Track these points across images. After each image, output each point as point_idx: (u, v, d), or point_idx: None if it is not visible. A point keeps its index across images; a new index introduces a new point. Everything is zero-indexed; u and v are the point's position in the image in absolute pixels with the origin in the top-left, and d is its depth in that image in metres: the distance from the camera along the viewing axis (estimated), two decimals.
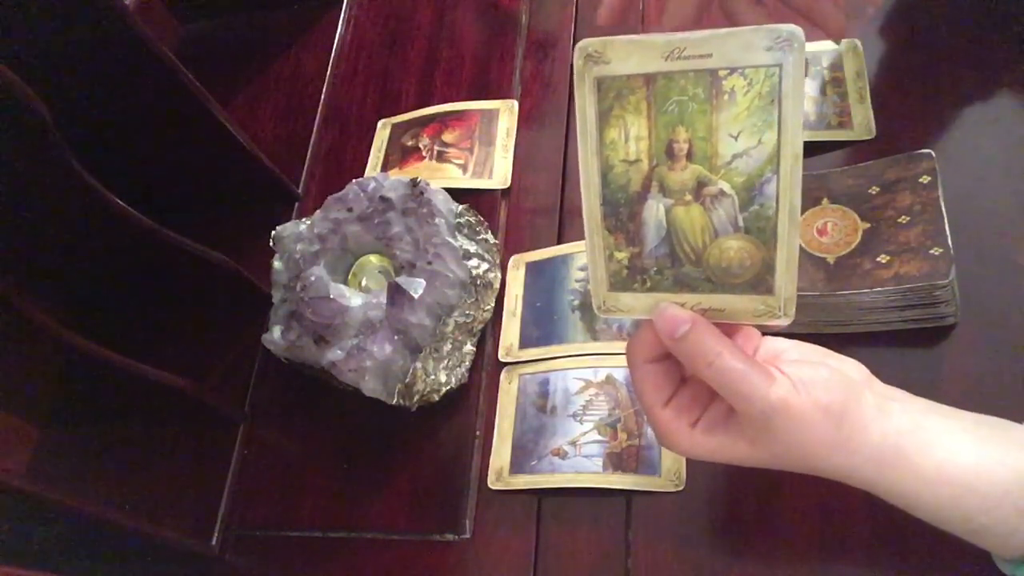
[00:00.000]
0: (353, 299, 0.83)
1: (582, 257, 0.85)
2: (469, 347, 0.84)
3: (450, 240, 0.83)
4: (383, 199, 0.86)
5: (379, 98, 1.09)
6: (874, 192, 0.74)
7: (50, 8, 0.76)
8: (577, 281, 0.85)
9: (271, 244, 0.92)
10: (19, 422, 0.93)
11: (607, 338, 0.81)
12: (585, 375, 0.79)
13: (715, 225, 0.46)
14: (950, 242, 0.67)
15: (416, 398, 0.80)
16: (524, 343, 0.84)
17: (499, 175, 0.95)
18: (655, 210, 0.47)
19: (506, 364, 0.84)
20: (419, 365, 0.80)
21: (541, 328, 0.84)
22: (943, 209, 0.69)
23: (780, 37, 0.42)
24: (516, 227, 0.92)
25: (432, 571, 0.76)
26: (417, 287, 0.80)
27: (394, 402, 0.80)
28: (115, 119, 0.90)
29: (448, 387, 0.81)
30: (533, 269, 0.88)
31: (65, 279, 0.88)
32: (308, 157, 1.07)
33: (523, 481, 0.76)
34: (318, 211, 0.90)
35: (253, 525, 0.84)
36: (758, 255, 0.46)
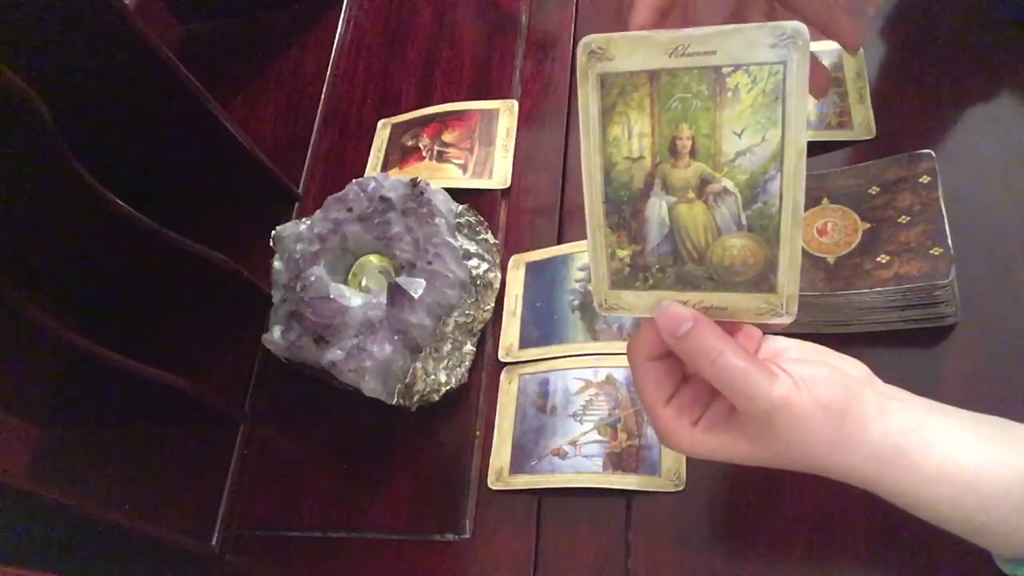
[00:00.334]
0: (353, 299, 0.83)
1: (582, 257, 0.85)
2: (469, 347, 0.84)
3: (450, 240, 0.83)
4: (383, 199, 0.86)
5: (379, 98, 1.09)
6: (874, 192, 0.74)
7: (50, 8, 0.76)
8: (577, 281, 0.85)
9: (271, 244, 0.92)
10: (19, 422, 0.93)
11: (607, 338, 0.81)
12: (585, 375, 0.79)
13: (718, 223, 0.46)
14: (950, 242, 0.67)
15: (416, 398, 0.80)
16: (524, 343, 0.84)
17: (499, 175, 0.95)
18: (658, 208, 0.47)
19: (506, 364, 0.84)
20: (419, 365, 0.80)
21: (541, 328, 0.84)
22: (943, 209, 0.69)
23: (784, 34, 0.41)
24: (516, 227, 0.92)
25: (432, 571, 0.76)
26: (417, 287, 0.80)
27: (394, 402, 0.80)
28: (115, 119, 0.90)
29: (448, 387, 0.82)
30: (533, 269, 0.88)
31: (65, 279, 0.88)
32: (308, 157, 1.07)
33: (523, 481, 0.76)
34: (318, 211, 0.90)
35: (253, 525, 0.84)
36: (761, 253, 0.46)
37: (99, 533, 0.74)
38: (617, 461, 0.74)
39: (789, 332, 0.54)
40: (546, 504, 0.75)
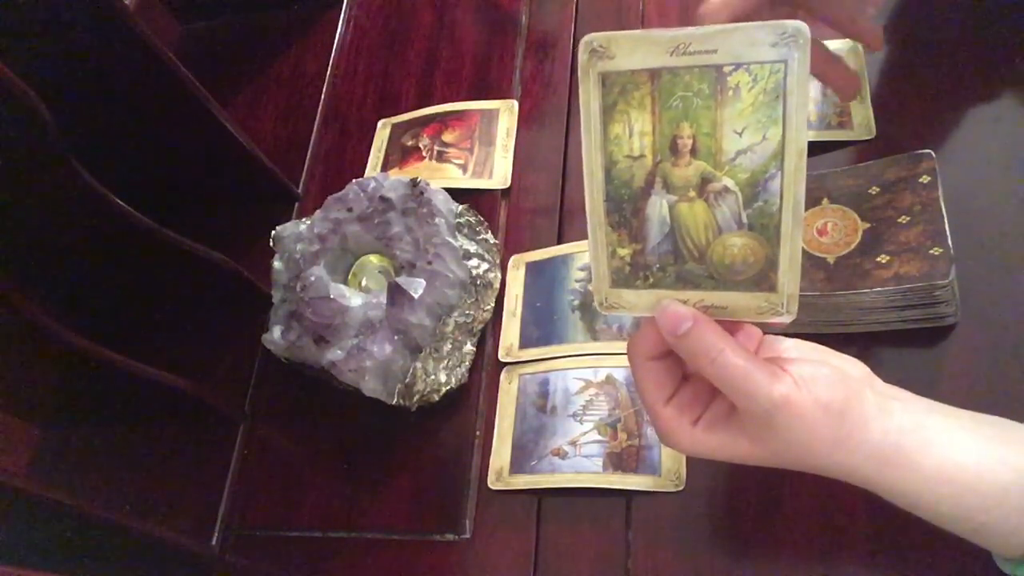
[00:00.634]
0: (353, 299, 0.83)
1: (582, 257, 0.86)
2: (469, 347, 0.84)
3: (450, 240, 0.83)
4: (383, 199, 0.86)
5: (379, 98, 1.09)
6: (874, 192, 0.74)
7: (50, 8, 0.76)
8: (577, 281, 0.85)
9: (271, 244, 0.92)
10: (19, 422, 0.93)
11: (607, 338, 0.81)
12: (585, 375, 0.79)
13: (719, 222, 0.46)
14: (950, 242, 0.67)
15: (416, 398, 0.80)
16: (524, 343, 0.84)
17: (499, 175, 0.95)
18: (658, 206, 0.47)
19: (506, 364, 0.84)
20: (419, 365, 0.80)
21: (541, 328, 0.84)
22: (943, 209, 0.69)
23: (785, 33, 0.42)
24: (516, 227, 0.92)
25: (432, 571, 0.76)
26: (417, 287, 0.80)
27: (394, 402, 0.80)
28: (115, 119, 0.90)
29: (448, 387, 0.81)
30: (533, 269, 0.88)
31: (65, 279, 0.88)
32: (308, 157, 1.07)
33: (523, 481, 0.76)
34: (318, 211, 0.90)
35: (253, 525, 0.84)
36: (761, 252, 0.46)
37: (99, 533, 0.74)
38: (617, 461, 0.74)
39: (789, 332, 0.54)
40: (546, 504, 0.75)
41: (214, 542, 0.84)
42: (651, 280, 0.49)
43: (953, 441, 0.48)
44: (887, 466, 0.48)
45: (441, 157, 0.98)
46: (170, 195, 0.94)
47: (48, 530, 0.70)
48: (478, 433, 0.81)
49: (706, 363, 0.46)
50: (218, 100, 0.89)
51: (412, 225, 0.85)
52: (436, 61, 1.08)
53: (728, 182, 0.45)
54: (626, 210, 0.48)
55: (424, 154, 0.99)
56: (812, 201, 0.75)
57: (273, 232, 0.92)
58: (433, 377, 0.81)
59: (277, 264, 0.90)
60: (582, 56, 0.45)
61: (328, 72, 1.14)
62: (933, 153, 0.72)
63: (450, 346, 0.82)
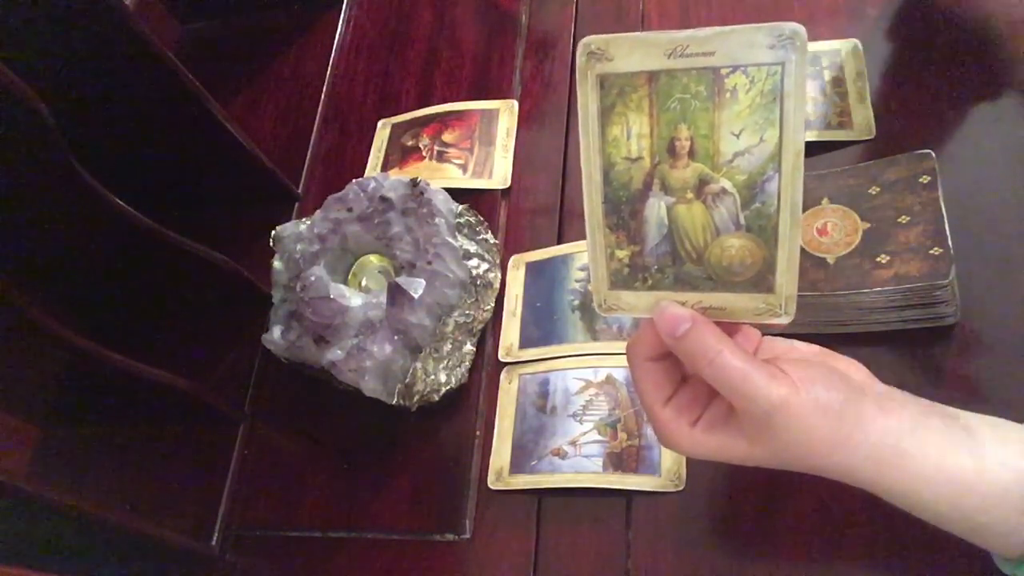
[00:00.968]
0: (353, 299, 0.83)
1: (582, 257, 0.86)
2: (469, 347, 0.84)
3: (450, 240, 0.83)
4: (383, 199, 0.86)
5: (379, 98, 1.09)
6: (874, 192, 0.74)
7: (50, 8, 0.76)
8: (577, 281, 0.85)
9: (271, 244, 0.92)
10: (19, 422, 0.93)
11: (607, 338, 0.81)
12: (585, 375, 0.79)
13: (716, 223, 0.46)
14: (950, 242, 0.67)
15: (416, 398, 0.80)
16: (524, 343, 0.84)
17: (499, 175, 0.95)
18: (657, 208, 0.47)
19: (506, 364, 0.84)
20: (419, 365, 0.80)
21: (541, 328, 0.84)
22: (943, 209, 0.69)
23: (783, 35, 0.42)
24: (516, 227, 0.92)
25: (432, 571, 0.76)
26: (417, 287, 0.80)
27: (394, 402, 0.80)
28: (115, 119, 0.90)
29: (448, 387, 0.82)
30: (533, 269, 0.88)
31: (65, 279, 0.88)
32: (308, 157, 1.07)
33: (523, 481, 0.76)
34: (318, 211, 0.90)
35: (253, 525, 0.84)
36: (759, 253, 0.46)
37: (99, 533, 0.74)
38: (617, 461, 0.74)
39: (789, 332, 0.54)
40: (546, 504, 0.75)
41: (214, 542, 0.84)
42: (650, 282, 0.49)
43: (952, 442, 0.48)
44: (886, 467, 0.48)
45: (441, 157, 0.98)
46: (170, 195, 0.94)
47: (48, 530, 0.70)
48: (478, 433, 0.82)
49: (704, 364, 0.46)
50: (218, 100, 0.89)
51: (412, 225, 0.85)
52: (436, 61, 1.08)
53: (726, 184, 0.45)
54: (624, 212, 0.48)
55: (424, 154, 0.99)
56: (812, 201, 0.75)
57: (273, 232, 0.92)
58: (433, 377, 0.81)
59: (277, 264, 0.90)
60: (580, 58, 0.45)
61: (328, 72, 1.14)
62: (933, 153, 0.72)
63: (450, 346, 0.82)
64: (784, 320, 0.47)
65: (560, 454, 0.76)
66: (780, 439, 0.47)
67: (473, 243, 0.87)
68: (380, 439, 0.84)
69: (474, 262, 0.85)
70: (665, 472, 0.72)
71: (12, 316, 0.69)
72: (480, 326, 0.85)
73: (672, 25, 0.97)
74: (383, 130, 1.05)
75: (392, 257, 0.86)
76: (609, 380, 0.79)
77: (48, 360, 0.82)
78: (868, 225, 0.72)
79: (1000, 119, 0.79)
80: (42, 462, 0.93)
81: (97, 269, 0.89)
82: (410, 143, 1.01)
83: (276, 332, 0.86)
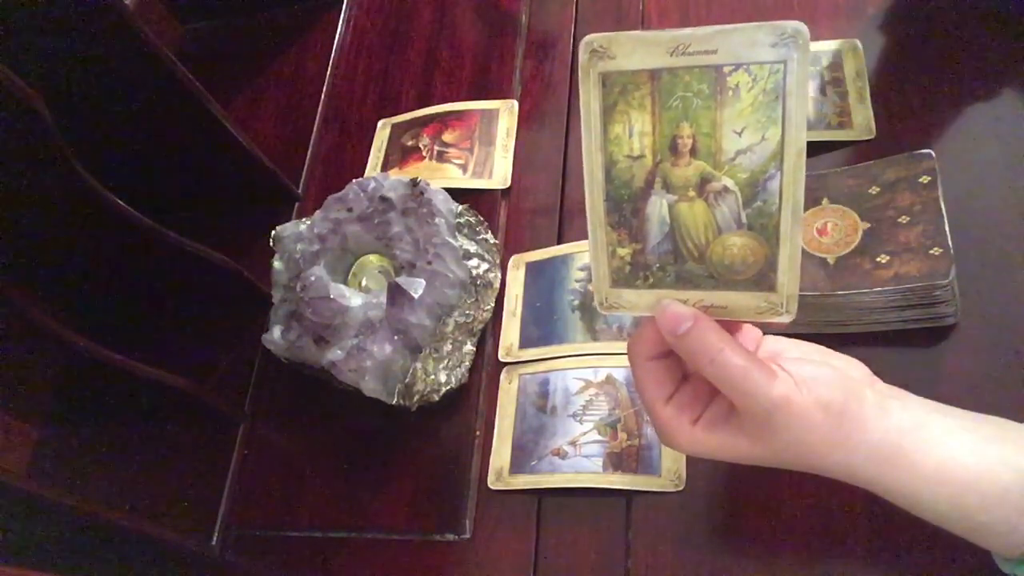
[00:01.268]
0: (353, 299, 0.83)
1: (582, 257, 0.86)
2: (469, 347, 0.84)
3: (450, 240, 0.83)
4: (383, 199, 0.86)
5: (379, 98, 1.09)
6: (874, 192, 0.74)
7: (50, 8, 0.76)
8: (577, 281, 0.85)
9: (271, 244, 0.92)
10: (19, 422, 0.93)
11: (607, 338, 0.81)
12: (585, 375, 0.79)
13: (718, 221, 0.46)
14: (950, 242, 0.67)
15: (416, 398, 0.80)
16: (524, 343, 0.84)
17: (499, 175, 0.95)
18: (658, 206, 0.47)
19: (506, 364, 0.84)
20: (419, 365, 0.80)
21: (541, 328, 0.84)
22: (943, 209, 0.69)
23: (785, 34, 0.42)
24: (516, 227, 0.92)
25: (432, 571, 0.76)
26: (417, 287, 0.80)
27: (394, 402, 0.80)
28: (115, 119, 0.90)
29: (448, 387, 0.81)
30: (533, 269, 0.88)
31: (65, 279, 0.88)
32: (308, 157, 1.07)
33: (523, 481, 0.76)
34: (318, 211, 0.90)
35: (253, 525, 0.84)
36: (761, 252, 0.46)
37: (99, 533, 0.74)
38: (617, 461, 0.74)
39: (789, 332, 0.54)
40: (546, 504, 0.75)
41: (214, 542, 0.84)
42: (651, 280, 0.49)
43: (953, 441, 0.48)
44: (887, 466, 0.48)
45: (441, 157, 0.98)
46: (170, 195, 0.94)
47: (48, 530, 0.70)
48: (478, 433, 0.81)
49: (706, 363, 0.46)
50: (218, 100, 0.89)
51: (412, 225, 0.85)
52: (436, 61, 1.08)
53: (728, 182, 0.45)
54: (626, 210, 0.48)
55: (424, 154, 0.99)
56: (812, 201, 0.75)
57: (273, 232, 0.92)
58: (433, 377, 0.81)
59: (277, 264, 0.90)
60: (582, 56, 0.45)
61: (328, 72, 1.14)
62: (933, 153, 0.72)
63: (450, 346, 0.82)
64: (786, 319, 0.47)
65: (560, 454, 0.76)
66: (780, 438, 0.47)
67: (473, 243, 0.87)
68: (380, 439, 0.84)
69: (474, 262, 0.85)
70: (665, 472, 0.72)
71: (12, 316, 0.69)
72: (480, 326, 0.85)
73: (672, 25, 0.97)
74: (383, 130, 1.05)
75: (392, 257, 0.86)
76: (609, 380, 0.79)
77: (48, 360, 0.82)
78: (868, 225, 0.72)
79: (1000, 119, 0.79)
80: (42, 462, 0.93)
81: (97, 269, 0.89)
82: (410, 143, 1.01)
83: (276, 332, 0.86)
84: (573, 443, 0.76)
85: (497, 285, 0.87)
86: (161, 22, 1.24)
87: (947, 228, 0.68)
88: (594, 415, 0.77)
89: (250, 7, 1.23)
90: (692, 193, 0.46)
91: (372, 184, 0.87)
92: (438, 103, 1.04)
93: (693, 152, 0.45)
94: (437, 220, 0.84)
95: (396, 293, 0.80)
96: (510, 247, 0.91)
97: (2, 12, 0.74)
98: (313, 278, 0.84)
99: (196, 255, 0.84)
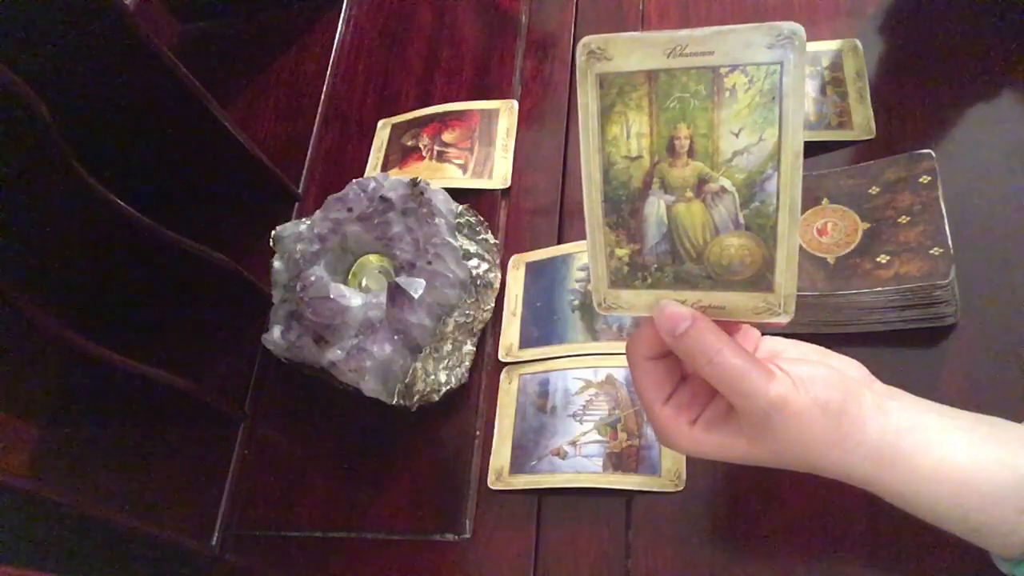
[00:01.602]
0: (353, 299, 0.83)
1: (582, 257, 0.86)
2: (469, 347, 0.84)
3: (450, 240, 0.83)
4: (383, 199, 0.86)
5: (379, 98, 1.09)
6: (874, 192, 0.74)
7: (50, 8, 0.76)
8: (577, 281, 0.85)
9: (271, 244, 0.92)
10: (19, 422, 0.93)
11: (607, 338, 0.81)
12: (585, 375, 0.79)
13: (716, 222, 0.46)
14: (950, 242, 0.67)
15: (416, 398, 0.80)
16: (524, 343, 0.84)
17: (499, 175, 0.95)
18: (656, 207, 0.47)
19: (506, 364, 0.84)
20: (419, 365, 0.80)
21: (541, 328, 0.84)
22: (943, 209, 0.69)
23: (781, 35, 0.42)
24: (516, 227, 0.92)
25: (432, 571, 0.76)
26: (417, 287, 0.80)
27: (394, 402, 0.80)
28: (115, 119, 0.90)
29: (448, 387, 0.81)
30: (533, 269, 0.88)
31: (65, 279, 0.88)
32: (308, 157, 1.07)
33: (523, 481, 0.76)
34: (318, 211, 0.90)
35: (253, 525, 0.84)
36: (758, 252, 0.46)
37: (99, 533, 0.74)
38: (617, 461, 0.74)
39: (788, 332, 0.54)
40: (546, 504, 0.75)
41: (214, 542, 0.84)
42: (649, 280, 0.49)
43: (951, 441, 0.48)
44: (885, 466, 0.48)
45: (441, 157, 0.98)
46: (170, 195, 0.94)
47: (48, 530, 0.70)
48: (478, 433, 0.82)
49: (704, 363, 0.46)
50: (218, 100, 0.89)
51: (412, 225, 0.85)
52: (436, 61, 1.08)
53: (725, 183, 0.45)
54: (624, 211, 0.48)
55: (424, 154, 0.99)
56: (812, 201, 0.75)
57: (273, 232, 0.92)
58: (433, 377, 0.81)
59: (277, 264, 0.90)
60: (580, 57, 0.45)
61: (328, 72, 1.14)
62: (933, 153, 0.72)
63: (450, 346, 0.82)
64: (783, 319, 0.47)
65: (560, 454, 0.76)
66: (779, 438, 0.47)
67: (473, 243, 0.87)
68: (380, 439, 0.84)
69: (474, 262, 0.85)
70: (665, 472, 0.72)
71: (12, 316, 0.69)
72: (480, 326, 0.85)
73: (672, 25, 0.97)
74: (383, 130, 1.05)
75: (392, 257, 0.86)
76: (609, 380, 0.79)
77: (48, 360, 0.82)
78: (868, 225, 0.72)
79: (1000, 119, 0.79)
80: (42, 462, 0.93)
81: (97, 269, 0.89)
82: (410, 143, 1.01)
83: (276, 332, 0.86)
84: (573, 443, 0.76)
85: (497, 285, 0.87)
86: (161, 22, 1.24)
87: (947, 228, 0.68)
88: (594, 415, 0.77)
89: (250, 7, 1.23)
90: (690, 194, 0.46)
91: (372, 184, 0.87)
92: (438, 103, 1.04)
93: (690, 153, 0.45)
94: (437, 220, 0.84)
95: (396, 293, 0.80)
96: (510, 247, 0.91)
97: (2, 12, 0.74)
98: (313, 278, 0.84)
99: (196, 255, 0.84)
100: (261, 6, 1.23)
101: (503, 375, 0.83)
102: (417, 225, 0.84)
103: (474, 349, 0.84)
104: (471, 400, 0.83)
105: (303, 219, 0.92)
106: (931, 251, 0.67)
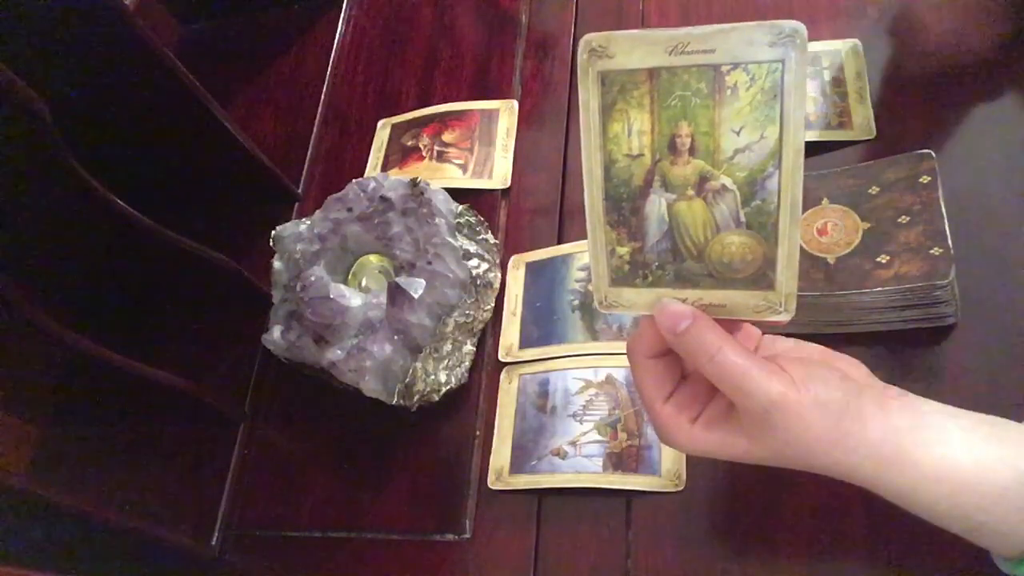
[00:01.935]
0: (353, 299, 0.83)
1: (582, 257, 0.86)
2: (469, 347, 0.84)
3: (450, 240, 0.83)
4: (383, 199, 0.86)
5: (379, 98, 1.09)
6: (874, 192, 0.74)
7: (50, 8, 0.76)
8: (577, 281, 0.85)
9: (271, 244, 0.92)
10: (19, 422, 0.93)
11: (607, 338, 0.81)
12: (585, 375, 0.79)
13: (717, 220, 0.46)
14: (950, 242, 0.67)
15: (416, 398, 0.80)
16: (524, 343, 0.84)
17: (499, 175, 0.95)
18: (657, 205, 0.47)
19: (506, 364, 0.84)
20: (419, 365, 0.80)
21: (541, 328, 0.84)
22: (943, 209, 0.69)
23: (783, 33, 0.42)
24: (516, 227, 0.92)
25: (432, 571, 0.76)
26: (417, 287, 0.80)
27: (394, 402, 0.80)
28: (115, 119, 0.90)
29: (448, 387, 0.81)
30: (533, 269, 0.88)
31: (65, 279, 0.88)
32: (308, 157, 1.07)
33: (523, 481, 0.76)
34: (318, 211, 0.90)
35: (253, 525, 0.84)
36: (759, 250, 0.46)
37: (99, 533, 0.74)
38: (617, 461, 0.74)
39: (789, 332, 0.54)
40: (546, 504, 0.75)
41: (214, 542, 0.84)
42: (650, 278, 0.49)
43: (951, 440, 0.48)
44: (885, 465, 0.48)
45: (441, 157, 0.98)
46: (170, 195, 0.94)
47: (48, 530, 0.70)
48: (478, 433, 0.81)
49: (705, 361, 0.46)
50: (218, 100, 0.89)
51: (412, 225, 0.85)
52: (436, 61, 1.08)
53: (726, 181, 0.45)
54: (625, 209, 0.48)
55: (424, 154, 0.99)
56: (812, 201, 0.75)
57: (273, 232, 0.92)
58: (433, 377, 0.81)
59: (277, 264, 0.90)
60: (581, 55, 0.45)
61: (328, 72, 1.14)
62: (933, 153, 0.72)
63: (450, 346, 0.82)
64: (784, 317, 0.47)
65: (560, 454, 0.76)
66: (779, 436, 0.47)
67: (473, 243, 0.87)
68: (380, 439, 0.84)
69: (474, 262, 0.85)
70: (665, 472, 0.72)
71: (12, 316, 0.69)
72: (480, 326, 0.85)
73: (672, 25, 0.96)
74: (383, 130, 1.05)
75: (392, 257, 0.86)
76: (609, 380, 0.79)
77: (48, 360, 0.82)
78: (868, 225, 0.72)
79: (1000, 119, 0.79)
80: (42, 462, 0.93)
81: (97, 269, 0.89)
82: (410, 143, 1.01)
83: (276, 332, 0.86)
84: (573, 443, 0.76)
85: (497, 285, 0.87)
86: (161, 22, 1.24)
87: (947, 228, 0.68)
88: (594, 415, 0.77)
89: (250, 7, 1.23)
90: (691, 192, 0.46)
91: (372, 184, 0.87)
92: (438, 103, 1.04)
93: (692, 151, 0.45)
94: (437, 220, 0.84)
95: (396, 293, 0.80)
96: (510, 247, 0.91)
97: (2, 12, 0.74)
98: (313, 278, 0.84)
99: (196, 255, 0.84)
100: (261, 6, 1.23)
101: (503, 375, 0.83)
102: (417, 225, 0.84)
103: (474, 349, 0.84)
104: (471, 400, 0.83)
105: (303, 219, 0.92)
106: (931, 251, 0.67)
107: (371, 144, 1.04)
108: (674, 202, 0.47)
